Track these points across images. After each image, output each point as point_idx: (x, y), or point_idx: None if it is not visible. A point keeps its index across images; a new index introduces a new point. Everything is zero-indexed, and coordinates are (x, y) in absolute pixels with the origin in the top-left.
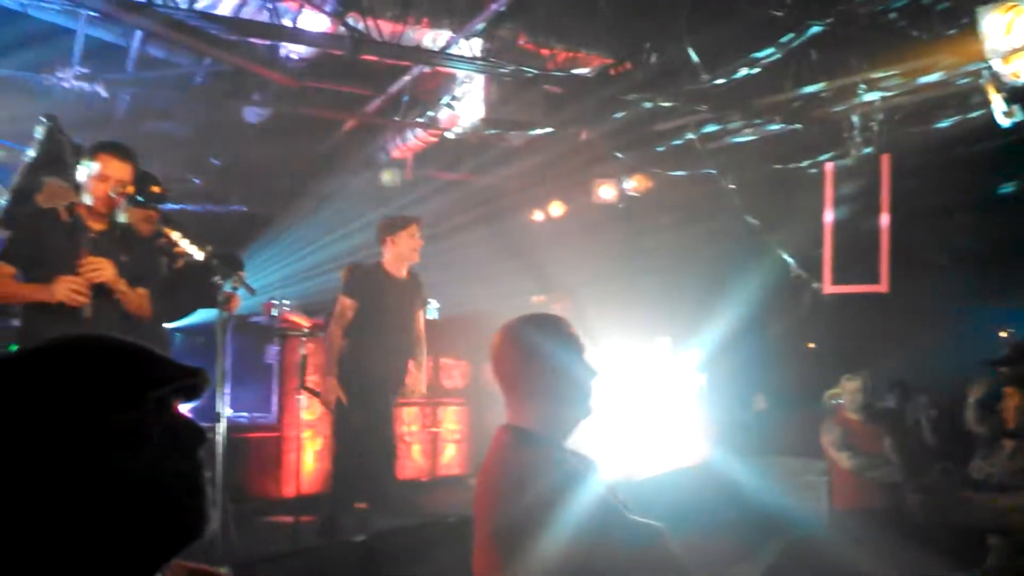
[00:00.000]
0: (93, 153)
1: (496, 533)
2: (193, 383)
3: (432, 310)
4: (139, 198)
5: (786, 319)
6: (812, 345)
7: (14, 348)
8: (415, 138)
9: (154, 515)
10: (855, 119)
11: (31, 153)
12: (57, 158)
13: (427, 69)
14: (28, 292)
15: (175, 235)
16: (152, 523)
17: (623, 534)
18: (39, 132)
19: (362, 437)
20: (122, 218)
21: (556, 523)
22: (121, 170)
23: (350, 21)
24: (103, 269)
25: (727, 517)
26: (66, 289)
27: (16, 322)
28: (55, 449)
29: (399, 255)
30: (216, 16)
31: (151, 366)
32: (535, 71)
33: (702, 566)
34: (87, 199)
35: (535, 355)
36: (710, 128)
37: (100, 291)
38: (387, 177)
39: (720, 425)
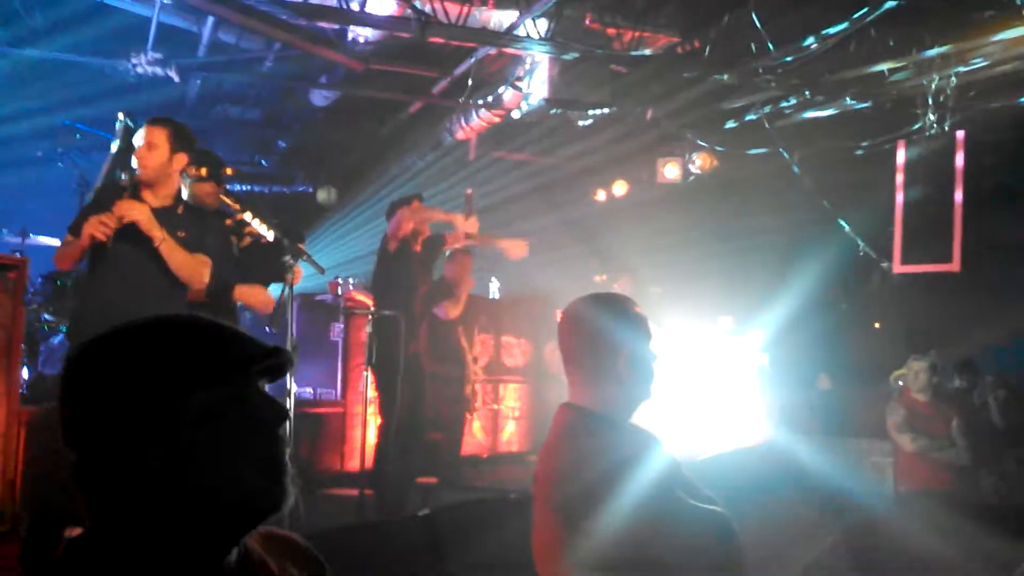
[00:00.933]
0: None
1: (557, 512)
2: (277, 362)
3: (493, 289)
4: (202, 174)
5: (853, 298)
6: (879, 325)
7: (64, 329)
8: (479, 119)
9: (235, 490)
10: (929, 96)
11: (111, 151)
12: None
13: (492, 50)
14: (73, 246)
15: (246, 215)
16: (233, 497)
17: (684, 520)
18: (117, 130)
19: (404, 413)
20: (184, 194)
21: (617, 504)
22: (147, 132)
23: (416, 3)
24: (134, 210)
25: (790, 497)
26: (95, 222)
27: None
28: (140, 424)
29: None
30: (286, 1)
31: (236, 345)
32: (601, 51)
33: (764, 546)
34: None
35: (598, 334)
36: (778, 106)
37: (138, 236)
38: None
39: (783, 405)
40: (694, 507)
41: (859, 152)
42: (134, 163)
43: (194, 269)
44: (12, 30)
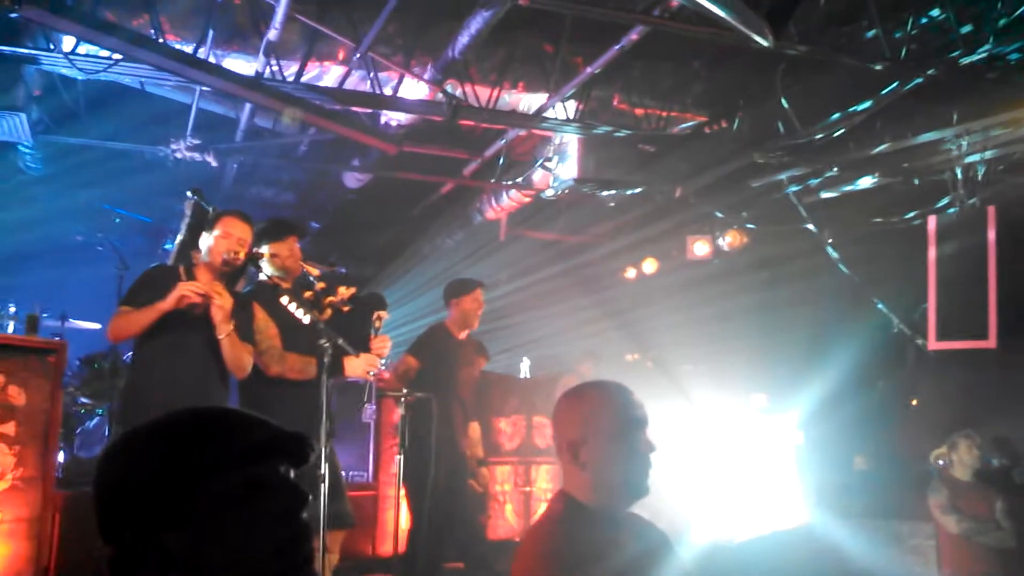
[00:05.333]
0: (217, 218)
1: None
2: (297, 450)
3: (524, 368)
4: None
5: (889, 376)
6: (915, 402)
7: (100, 412)
8: (509, 199)
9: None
10: (958, 171)
11: (181, 229)
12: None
13: (522, 132)
14: (146, 312)
15: (283, 298)
16: None
17: None
18: (187, 208)
19: (440, 498)
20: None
21: None
22: (243, 230)
23: (448, 88)
24: (223, 297)
25: None
26: (184, 287)
27: None
28: (161, 512)
29: (463, 318)
30: (321, 87)
31: (254, 434)
32: (629, 131)
33: None
34: (205, 258)
35: (588, 424)
36: (807, 183)
37: (197, 322)
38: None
39: (820, 486)
40: None
41: (889, 227)
42: (204, 245)
43: (243, 361)
44: (55, 117)
